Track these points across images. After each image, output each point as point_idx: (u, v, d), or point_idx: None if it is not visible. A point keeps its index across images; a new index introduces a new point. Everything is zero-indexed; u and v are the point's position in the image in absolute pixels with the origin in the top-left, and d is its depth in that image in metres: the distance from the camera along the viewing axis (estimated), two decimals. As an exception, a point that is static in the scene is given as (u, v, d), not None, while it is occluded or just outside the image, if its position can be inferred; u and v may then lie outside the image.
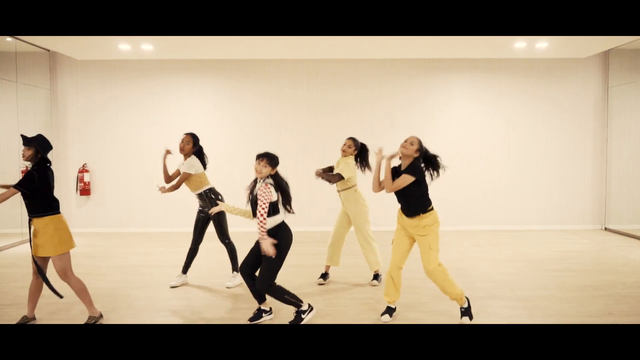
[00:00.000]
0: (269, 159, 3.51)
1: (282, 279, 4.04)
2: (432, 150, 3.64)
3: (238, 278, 4.67)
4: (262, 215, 3.38)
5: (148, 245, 6.83)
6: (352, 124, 7.83)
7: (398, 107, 7.93)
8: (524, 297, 4.26)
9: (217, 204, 4.49)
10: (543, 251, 6.22)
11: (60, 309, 3.99)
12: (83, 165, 7.88)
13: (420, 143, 3.55)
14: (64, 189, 7.87)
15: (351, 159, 4.64)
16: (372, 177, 3.60)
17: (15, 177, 6.71)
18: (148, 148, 7.89)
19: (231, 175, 7.75)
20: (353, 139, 4.70)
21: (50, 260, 3.53)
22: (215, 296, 4.36)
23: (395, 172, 3.57)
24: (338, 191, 4.69)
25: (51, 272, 4.60)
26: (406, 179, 3.44)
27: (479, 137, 7.95)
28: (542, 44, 6.92)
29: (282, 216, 3.56)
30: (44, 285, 3.61)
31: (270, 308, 3.78)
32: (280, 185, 3.54)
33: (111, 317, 3.80)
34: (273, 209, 3.49)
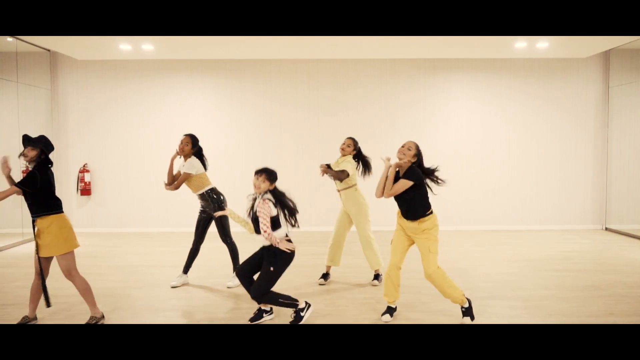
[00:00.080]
0: (268, 174, 3.53)
1: (283, 279, 4.05)
2: (432, 150, 3.66)
3: (239, 278, 4.67)
4: (266, 232, 3.42)
5: (148, 245, 6.83)
6: (352, 124, 7.83)
7: (398, 107, 7.93)
8: (525, 297, 4.26)
9: (219, 204, 4.50)
10: (543, 251, 6.22)
11: (61, 309, 3.99)
12: (84, 165, 7.89)
13: (417, 148, 3.59)
14: (64, 189, 7.87)
15: (351, 158, 4.64)
16: (378, 184, 3.59)
17: (16, 177, 6.71)
18: (149, 148, 7.90)
19: (231, 175, 7.75)
20: (352, 139, 4.70)
21: (55, 259, 3.54)
22: (216, 296, 4.36)
23: (394, 177, 3.60)
24: (338, 191, 4.69)
25: (54, 272, 4.60)
26: (405, 184, 3.46)
27: (479, 137, 7.94)
28: (542, 44, 6.92)
29: (284, 230, 3.57)
30: (47, 286, 3.62)
31: (271, 308, 3.79)
32: (280, 200, 3.54)
33: (112, 317, 3.80)
34: (274, 224, 3.50)
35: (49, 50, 7.57)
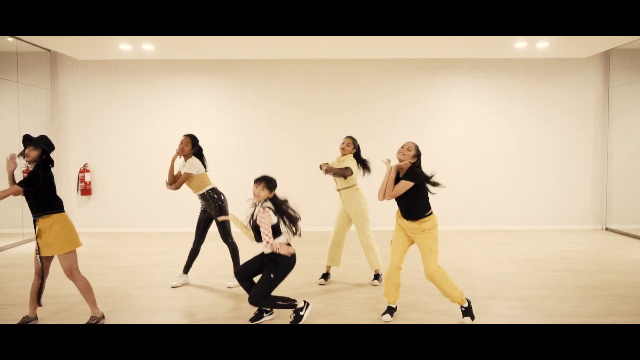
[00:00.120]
0: (267, 182, 3.52)
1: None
2: (432, 151, 3.66)
3: (239, 278, 4.67)
4: (268, 242, 3.43)
5: (149, 245, 6.83)
6: (352, 124, 7.83)
7: (398, 107, 7.93)
8: (525, 297, 4.26)
9: (220, 204, 4.51)
10: (544, 251, 6.22)
11: (61, 309, 3.99)
12: (84, 165, 7.89)
13: (417, 148, 3.59)
14: (64, 189, 7.87)
15: (352, 157, 4.63)
16: (380, 186, 3.58)
17: (17, 177, 6.71)
18: (149, 148, 7.90)
19: (231, 175, 7.75)
20: (351, 138, 4.69)
21: (56, 259, 3.54)
22: (216, 296, 4.36)
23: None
24: (338, 190, 4.68)
25: (54, 272, 4.60)
26: (405, 185, 3.46)
27: (479, 137, 7.94)
28: (542, 44, 6.92)
29: (284, 237, 3.57)
30: (45, 286, 3.62)
31: (271, 308, 3.79)
32: (280, 208, 3.55)
33: (112, 317, 3.80)
34: (274, 231, 3.50)
35: (49, 50, 7.57)
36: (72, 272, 3.52)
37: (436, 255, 3.54)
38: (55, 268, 4.58)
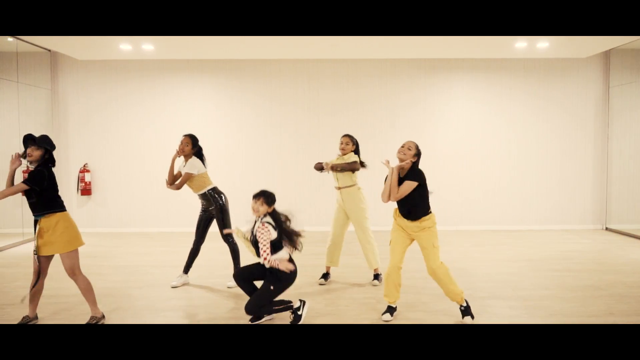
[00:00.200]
0: (265, 197, 3.53)
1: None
2: (432, 151, 3.68)
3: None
4: (265, 258, 3.42)
5: (149, 245, 6.83)
6: (352, 124, 7.83)
7: (399, 107, 7.93)
8: (525, 297, 4.26)
9: (221, 203, 4.51)
10: (544, 251, 6.22)
11: (62, 309, 3.99)
12: (84, 165, 7.89)
13: (417, 147, 3.60)
14: (64, 189, 7.87)
15: (354, 154, 4.62)
16: (384, 188, 3.58)
17: (17, 177, 6.71)
18: (149, 148, 7.90)
19: (231, 175, 7.76)
20: (349, 136, 4.67)
21: (57, 259, 3.54)
22: (216, 296, 4.36)
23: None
24: (339, 188, 4.65)
25: (54, 272, 4.60)
26: (410, 185, 3.47)
27: (479, 137, 7.94)
28: (542, 44, 6.92)
29: (285, 252, 3.57)
30: (44, 285, 3.63)
31: (269, 314, 3.78)
32: (279, 223, 3.54)
33: (112, 317, 3.80)
34: (275, 246, 3.50)
35: (49, 50, 7.57)
36: (74, 271, 3.52)
37: (438, 251, 3.58)
38: (56, 268, 4.58)
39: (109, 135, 7.93)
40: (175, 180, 4.64)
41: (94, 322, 3.58)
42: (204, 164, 4.61)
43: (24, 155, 3.45)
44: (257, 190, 3.59)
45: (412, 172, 3.52)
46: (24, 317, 3.65)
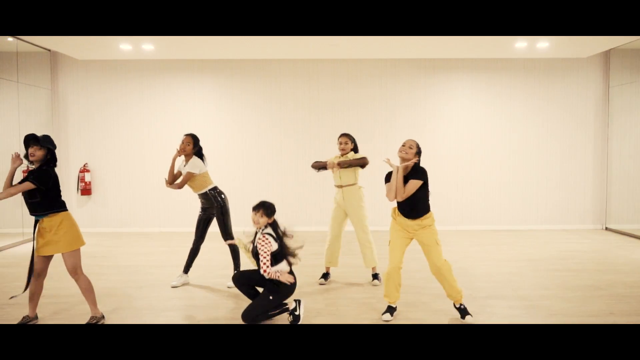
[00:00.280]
0: (265, 208, 3.53)
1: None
2: (432, 151, 3.69)
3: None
4: (265, 271, 3.42)
5: (149, 245, 6.83)
6: (352, 123, 7.83)
7: (399, 106, 7.93)
8: (525, 297, 4.26)
9: (221, 202, 4.51)
10: (544, 251, 6.22)
11: (61, 309, 3.99)
12: (84, 165, 7.89)
13: (418, 146, 3.61)
14: (64, 188, 7.84)
15: (354, 153, 4.61)
16: (390, 187, 3.57)
17: (17, 177, 6.71)
18: (149, 148, 7.90)
19: (231, 175, 7.76)
20: (347, 135, 4.66)
21: (59, 259, 3.54)
22: (216, 296, 4.36)
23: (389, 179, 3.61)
24: (341, 186, 4.63)
25: (54, 272, 4.60)
26: (416, 184, 3.48)
27: (479, 137, 7.94)
28: (543, 44, 6.92)
29: (285, 264, 3.56)
30: (44, 285, 3.63)
31: (266, 320, 3.78)
32: (279, 235, 3.55)
33: (112, 317, 3.80)
34: (276, 257, 3.50)
35: (49, 50, 7.57)
36: (76, 270, 3.52)
37: (441, 248, 3.60)
38: (56, 268, 4.59)
39: (109, 135, 7.93)
40: (175, 180, 4.64)
41: (94, 322, 3.58)
42: (204, 163, 4.61)
43: (27, 156, 3.45)
44: (256, 202, 3.58)
45: (416, 171, 3.52)
46: (24, 317, 3.65)
